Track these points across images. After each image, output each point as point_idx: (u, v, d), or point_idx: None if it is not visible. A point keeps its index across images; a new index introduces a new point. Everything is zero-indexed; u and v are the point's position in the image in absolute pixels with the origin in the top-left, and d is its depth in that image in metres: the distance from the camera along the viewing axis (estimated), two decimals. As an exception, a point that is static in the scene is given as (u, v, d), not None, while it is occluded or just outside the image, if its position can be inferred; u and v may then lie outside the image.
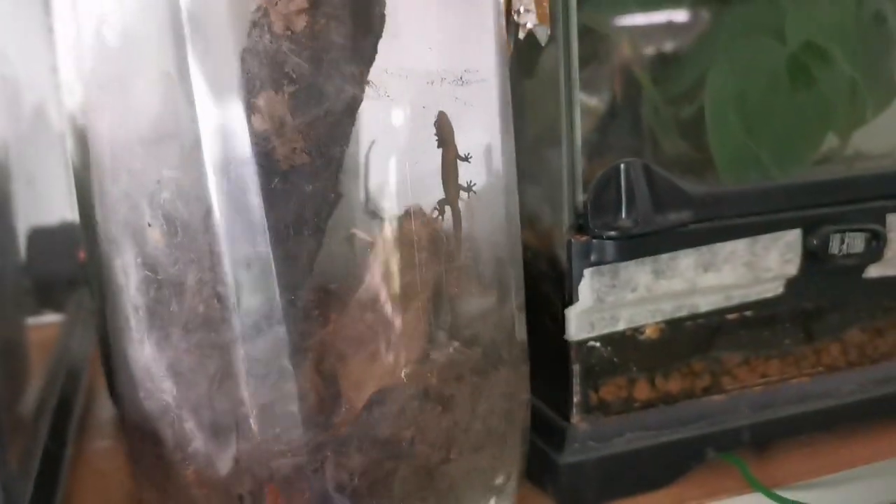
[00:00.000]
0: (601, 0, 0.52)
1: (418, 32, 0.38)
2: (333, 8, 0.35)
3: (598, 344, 0.48)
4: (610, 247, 0.46)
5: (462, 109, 0.39)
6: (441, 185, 0.39)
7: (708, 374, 0.51)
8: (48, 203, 0.70)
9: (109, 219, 0.39)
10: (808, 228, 0.50)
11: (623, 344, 0.48)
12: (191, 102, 0.35)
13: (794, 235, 0.50)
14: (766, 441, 0.51)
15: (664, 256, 0.47)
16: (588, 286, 0.46)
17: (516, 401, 0.43)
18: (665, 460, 0.49)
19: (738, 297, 0.50)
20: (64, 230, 0.70)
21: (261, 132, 0.35)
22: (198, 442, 0.38)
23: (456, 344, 0.40)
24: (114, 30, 0.37)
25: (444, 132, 0.39)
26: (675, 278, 0.47)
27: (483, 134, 0.41)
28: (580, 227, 0.46)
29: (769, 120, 0.52)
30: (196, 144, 0.35)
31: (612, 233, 0.45)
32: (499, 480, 0.43)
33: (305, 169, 0.36)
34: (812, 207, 0.50)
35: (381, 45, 0.37)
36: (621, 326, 0.48)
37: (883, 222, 0.51)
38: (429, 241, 0.39)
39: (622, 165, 0.45)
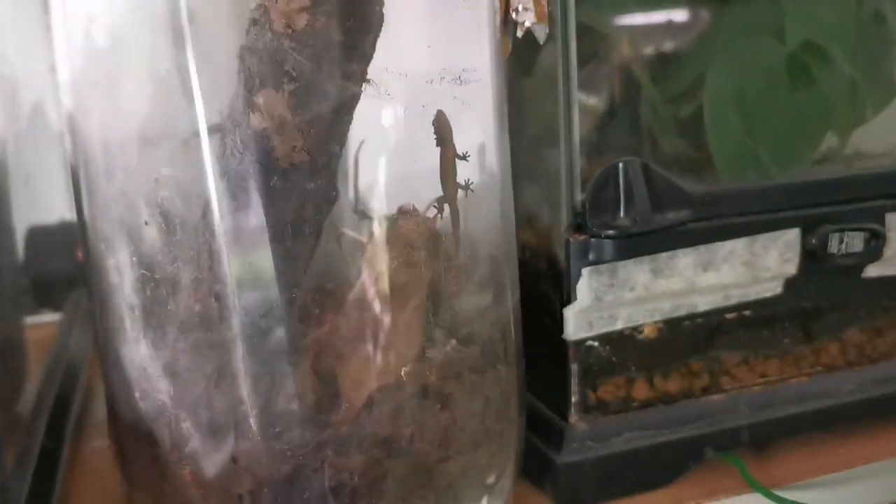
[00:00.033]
0: (600, -1, 0.52)
1: (418, 31, 0.39)
2: (333, 6, 0.35)
3: (596, 343, 0.47)
4: (608, 246, 0.46)
5: (460, 108, 0.39)
6: (439, 184, 0.39)
7: (707, 374, 0.50)
8: (46, 202, 0.70)
9: (102, 217, 0.39)
10: (808, 228, 0.50)
11: (621, 343, 0.48)
12: (190, 100, 0.35)
13: (793, 235, 0.50)
14: (764, 441, 0.51)
15: (663, 255, 0.47)
16: (586, 285, 0.46)
17: (513, 398, 0.43)
18: (664, 460, 0.48)
19: (736, 297, 0.50)
20: (62, 229, 0.71)
21: (260, 130, 0.35)
22: (195, 442, 0.38)
23: (454, 342, 0.40)
24: (103, 30, 0.37)
25: (442, 131, 0.39)
26: (673, 277, 0.47)
27: (478, 133, 0.41)
28: (578, 227, 0.46)
29: (768, 119, 0.52)
30: (195, 142, 0.35)
31: (611, 232, 0.45)
32: (489, 480, 0.43)
33: (305, 167, 0.36)
34: (811, 207, 0.50)
35: (381, 44, 0.37)
36: (620, 326, 0.48)
37: (882, 222, 0.51)
38: (426, 239, 0.39)
39: (621, 164, 0.45)
